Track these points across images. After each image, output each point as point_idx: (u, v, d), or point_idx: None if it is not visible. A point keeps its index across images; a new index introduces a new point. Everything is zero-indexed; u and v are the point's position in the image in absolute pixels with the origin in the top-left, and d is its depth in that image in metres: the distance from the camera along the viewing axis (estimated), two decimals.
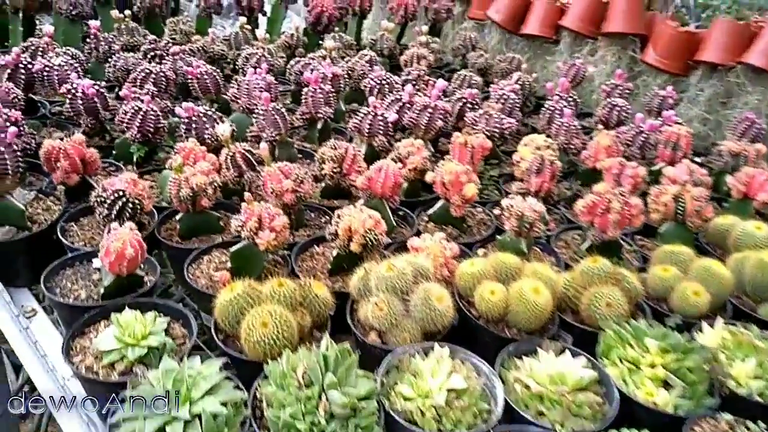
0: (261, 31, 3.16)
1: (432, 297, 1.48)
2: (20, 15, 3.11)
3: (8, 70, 2.43)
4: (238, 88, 2.54)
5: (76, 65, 2.53)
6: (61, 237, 1.78)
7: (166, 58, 2.87)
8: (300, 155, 2.49)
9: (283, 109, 2.34)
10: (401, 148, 2.23)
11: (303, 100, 2.57)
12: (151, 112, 2.20)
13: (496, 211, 2.15)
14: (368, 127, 2.33)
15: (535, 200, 1.81)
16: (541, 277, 1.59)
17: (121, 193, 1.74)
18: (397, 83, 2.81)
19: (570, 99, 2.79)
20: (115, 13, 3.22)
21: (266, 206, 1.65)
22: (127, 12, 3.28)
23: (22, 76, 2.46)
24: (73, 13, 3.19)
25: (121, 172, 2.19)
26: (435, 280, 1.57)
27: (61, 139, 1.94)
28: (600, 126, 2.75)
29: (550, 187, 2.08)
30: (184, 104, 2.17)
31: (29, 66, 2.48)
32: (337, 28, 3.63)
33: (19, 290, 1.87)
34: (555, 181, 2.08)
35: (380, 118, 2.33)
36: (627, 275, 1.66)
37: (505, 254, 1.67)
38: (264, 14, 3.69)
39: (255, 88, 2.54)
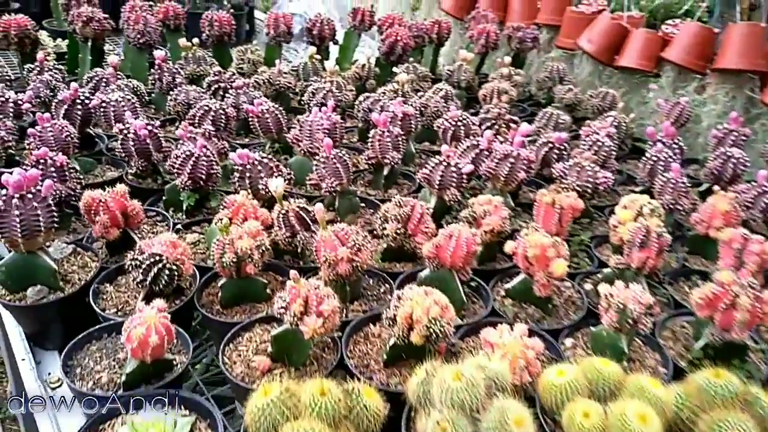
0: (331, 63, 2.96)
1: (510, 420, 1.18)
2: (89, 43, 3.05)
3: (65, 106, 2.33)
4: (300, 130, 2.33)
5: (133, 101, 2.40)
6: (92, 302, 1.61)
7: (230, 91, 2.71)
8: (362, 204, 2.25)
9: (346, 157, 2.11)
10: (476, 205, 1.94)
11: (369, 144, 2.33)
12: (204, 158, 2.02)
13: (588, 286, 1.84)
14: (440, 178, 2.06)
15: (639, 287, 1.48)
16: (648, 397, 1.26)
17: (157, 258, 1.55)
18: (474, 124, 2.53)
19: (675, 147, 2.42)
20: (183, 41, 3.11)
21: (314, 285, 1.41)
22: (195, 40, 3.17)
23: (79, 112, 2.36)
24: (141, 41, 3.11)
25: (167, 221, 2.02)
26: (513, 390, 1.28)
27: (104, 188, 1.78)
28: (710, 179, 2.36)
29: (655, 264, 1.74)
30: (239, 151, 1.97)
31: (86, 101, 2.37)
32: (411, 58, 3.39)
33: (48, 353, 1.71)
34: (662, 257, 1.74)
35: (453, 168, 2.06)
36: (761, 397, 1.30)
37: (602, 362, 1.35)
38: (335, 43, 3.50)
39: (318, 129, 2.33)
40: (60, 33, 4.10)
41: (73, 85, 2.35)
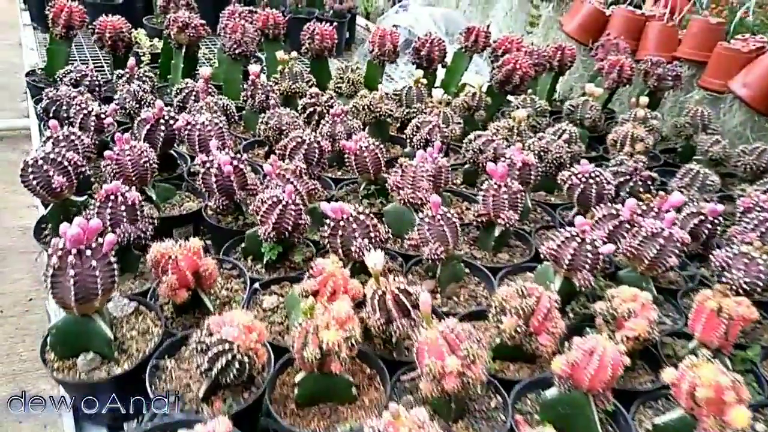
0: (438, 92, 2.62)
1: None
2: (183, 50, 2.85)
3: (148, 125, 2.11)
4: (402, 176, 2.01)
5: (221, 126, 2.15)
6: (147, 383, 1.35)
7: (326, 117, 2.43)
8: (467, 270, 1.90)
9: (455, 218, 1.76)
10: (617, 300, 1.55)
11: (482, 198, 1.98)
12: (292, 206, 1.74)
13: (760, 427, 1.42)
14: (570, 257, 1.67)
15: None
16: None
17: (228, 346, 1.27)
18: (608, 183, 2.12)
19: None
20: (280, 54, 2.86)
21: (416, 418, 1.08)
22: (294, 54, 2.92)
23: (162, 133, 2.13)
24: (237, 51, 2.88)
25: (243, 277, 1.75)
26: None
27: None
28: None
29: None
30: (333, 205, 1.67)
31: (171, 122, 2.15)
32: (529, 89, 3.00)
33: (96, 428, 1.47)
34: None
35: (589, 246, 1.67)
36: None
37: None
38: (444, 66, 3.16)
39: (422, 176, 2.00)
40: (158, 32, 3.98)
41: (158, 103, 2.13)
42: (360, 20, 5.64)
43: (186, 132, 2.13)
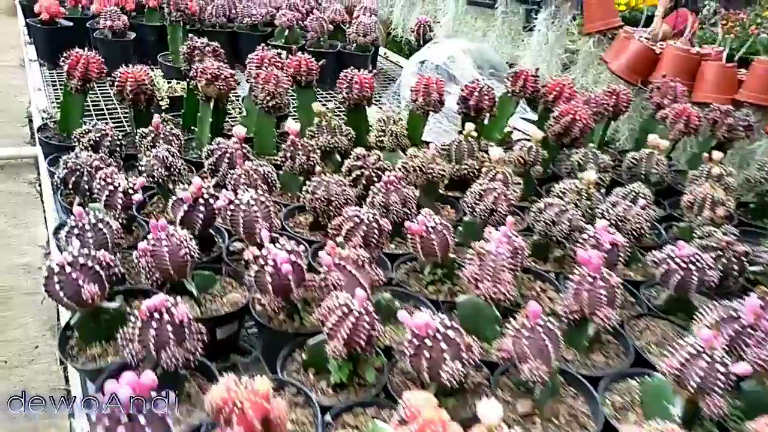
0: (497, 151, 2.36)
1: None
2: (211, 104, 2.60)
3: (185, 207, 1.86)
4: (479, 265, 1.75)
5: (267, 204, 1.89)
6: None
7: (378, 185, 2.17)
8: (562, 379, 1.64)
9: (555, 327, 1.50)
10: None
11: (572, 292, 1.72)
12: (366, 317, 1.48)
13: None
14: (698, 379, 1.41)
15: None
16: None
17: None
18: (710, 268, 1.86)
19: None
20: (317, 106, 2.61)
21: None
22: (331, 105, 2.67)
23: (201, 215, 1.88)
24: (270, 104, 2.63)
25: (311, 404, 1.48)
26: None
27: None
28: None
29: None
30: (417, 319, 1.41)
31: (210, 201, 1.89)
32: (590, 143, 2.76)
33: None
34: None
35: (720, 366, 1.41)
36: None
37: None
38: (492, 115, 2.91)
39: (502, 264, 1.74)
40: (175, 71, 3.74)
41: (196, 181, 1.87)
42: (386, 52, 5.42)
43: (229, 213, 1.87)
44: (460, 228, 2.25)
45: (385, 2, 5.92)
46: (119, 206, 1.94)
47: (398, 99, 3.94)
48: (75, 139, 2.35)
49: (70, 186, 2.11)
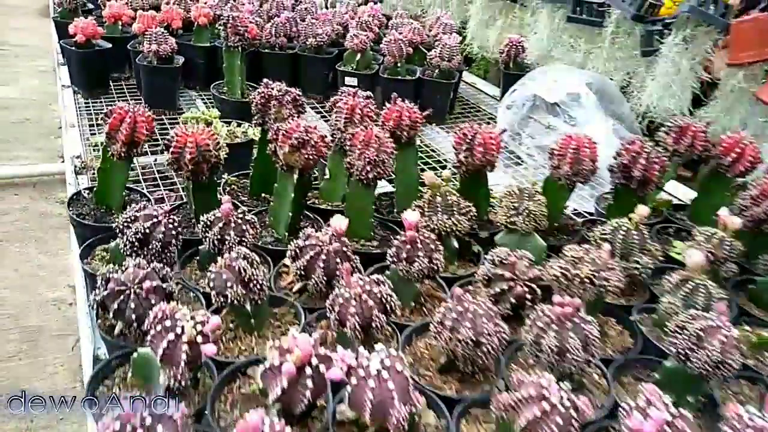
0: (698, 256, 1.67)
1: None
2: (295, 175, 1.95)
3: (285, 381, 1.21)
4: None
5: (405, 378, 1.24)
6: None
7: (541, 314, 1.50)
8: None
9: None
10: None
11: None
12: None
13: None
14: None
15: None
16: None
17: None
18: None
19: None
20: (430, 176, 1.97)
21: None
22: (447, 173, 2.02)
23: (308, 391, 1.23)
24: (371, 176, 1.98)
25: None
26: None
27: None
28: None
29: None
30: None
31: (320, 367, 1.24)
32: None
33: None
34: None
35: None
36: None
37: None
38: (658, 191, 2.22)
39: None
40: (232, 105, 3.14)
41: (303, 340, 1.22)
42: (470, 78, 4.75)
43: (348, 390, 1.22)
44: (656, 374, 1.57)
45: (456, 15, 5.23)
46: (182, 361, 1.31)
47: None
48: (117, 230, 1.74)
49: (111, 313, 1.49)
